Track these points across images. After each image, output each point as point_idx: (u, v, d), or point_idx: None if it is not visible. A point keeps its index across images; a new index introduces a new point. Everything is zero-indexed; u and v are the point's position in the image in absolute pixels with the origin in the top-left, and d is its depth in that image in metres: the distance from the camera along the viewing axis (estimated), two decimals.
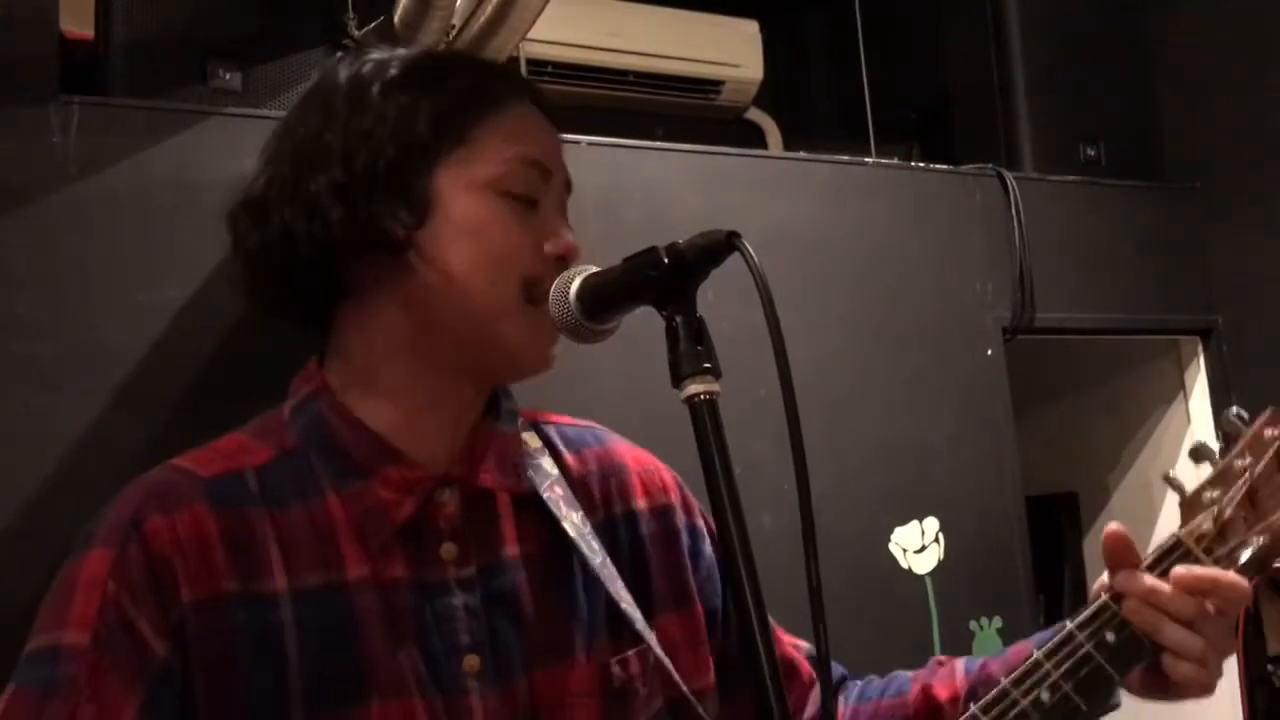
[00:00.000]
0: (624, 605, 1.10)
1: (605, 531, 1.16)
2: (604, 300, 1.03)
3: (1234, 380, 2.69)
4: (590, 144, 2.06)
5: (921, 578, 2.25)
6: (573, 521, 1.12)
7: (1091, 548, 2.96)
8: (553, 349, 1.10)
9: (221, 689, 0.97)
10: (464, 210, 1.06)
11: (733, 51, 2.68)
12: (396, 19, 1.86)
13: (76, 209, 1.64)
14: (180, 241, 1.68)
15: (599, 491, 1.19)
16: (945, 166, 2.52)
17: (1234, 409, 1.20)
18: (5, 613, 1.34)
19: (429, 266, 1.06)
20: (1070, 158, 2.66)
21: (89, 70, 1.76)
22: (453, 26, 1.88)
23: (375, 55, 1.12)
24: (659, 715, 1.13)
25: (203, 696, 0.97)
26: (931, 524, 2.28)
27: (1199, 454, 1.16)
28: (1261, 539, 1.09)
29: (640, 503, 1.20)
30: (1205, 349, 2.71)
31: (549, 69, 2.43)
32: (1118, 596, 1.11)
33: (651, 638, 1.11)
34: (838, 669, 1.30)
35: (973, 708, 1.10)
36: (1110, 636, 1.09)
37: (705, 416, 0.93)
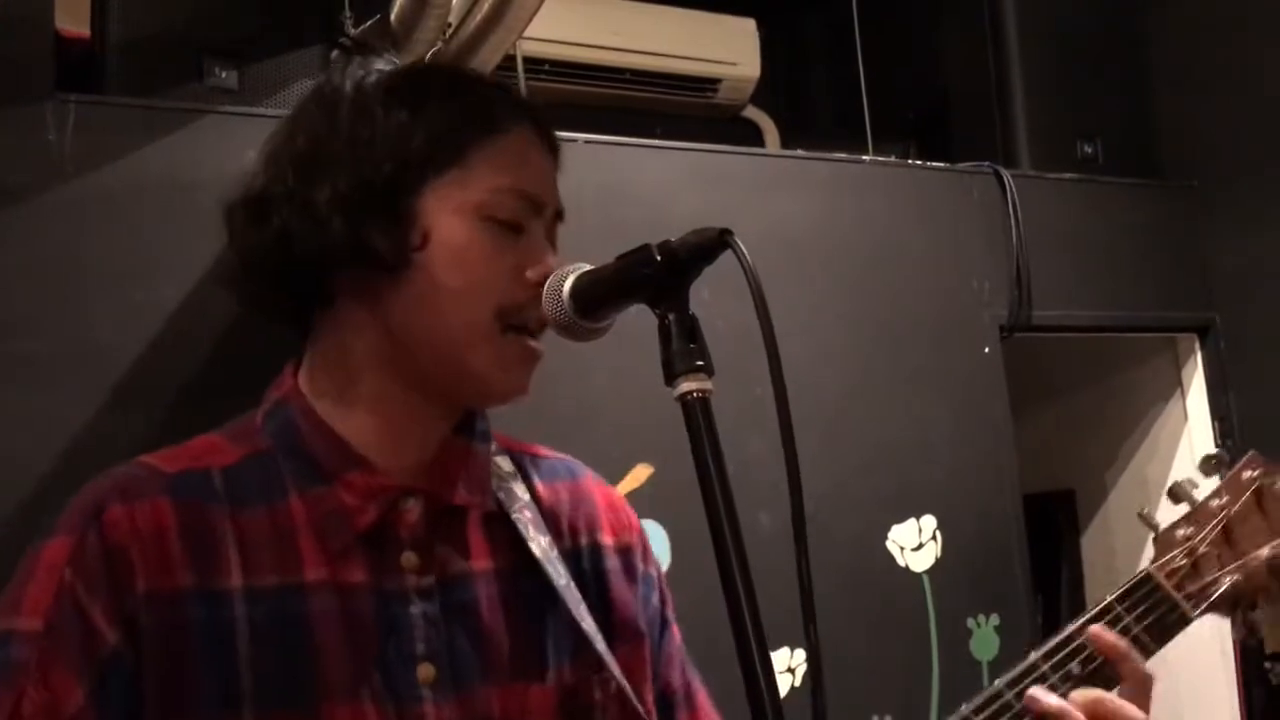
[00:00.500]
0: (586, 629, 1.11)
1: (571, 559, 1.16)
2: (597, 298, 1.03)
3: (1231, 378, 2.69)
4: (587, 142, 2.06)
5: (919, 575, 2.25)
6: (540, 544, 1.12)
7: (1089, 545, 2.97)
8: (526, 378, 1.10)
9: (172, 682, 0.97)
10: (448, 234, 1.06)
11: (730, 50, 2.68)
12: (393, 17, 1.86)
13: (72, 207, 1.64)
14: (175, 239, 1.68)
15: (568, 521, 1.19)
16: (943, 165, 2.52)
17: (1213, 451, 1.23)
18: None
19: (408, 287, 1.06)
20: (1068, 155, 2.66)
21: (85, 68, 1.76)
22: (449, 25, 1.87)
23: (381, 65, 1.13)
24: None
25: (152, 688, 0.97)
26: (929, 522, 2.28)
27: (1177, 495, 1.18)
28: (1235, 576, 1.11)
29: (606, 538, 1.20)
30: (1202, 346, 2.71)
31: (546, 67, 2.43)
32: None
33: (614, 664, 1.11)
34: None
35: None
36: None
37: (698, 414, 0.93)
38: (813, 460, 0.82)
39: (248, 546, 1.02)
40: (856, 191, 2.35)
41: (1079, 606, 2.99)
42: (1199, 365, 2.71)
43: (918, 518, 2.27)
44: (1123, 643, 1.12)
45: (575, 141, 2.06)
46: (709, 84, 2.66)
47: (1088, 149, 2.67)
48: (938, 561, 2.27)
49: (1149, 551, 1.20)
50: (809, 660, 0.88)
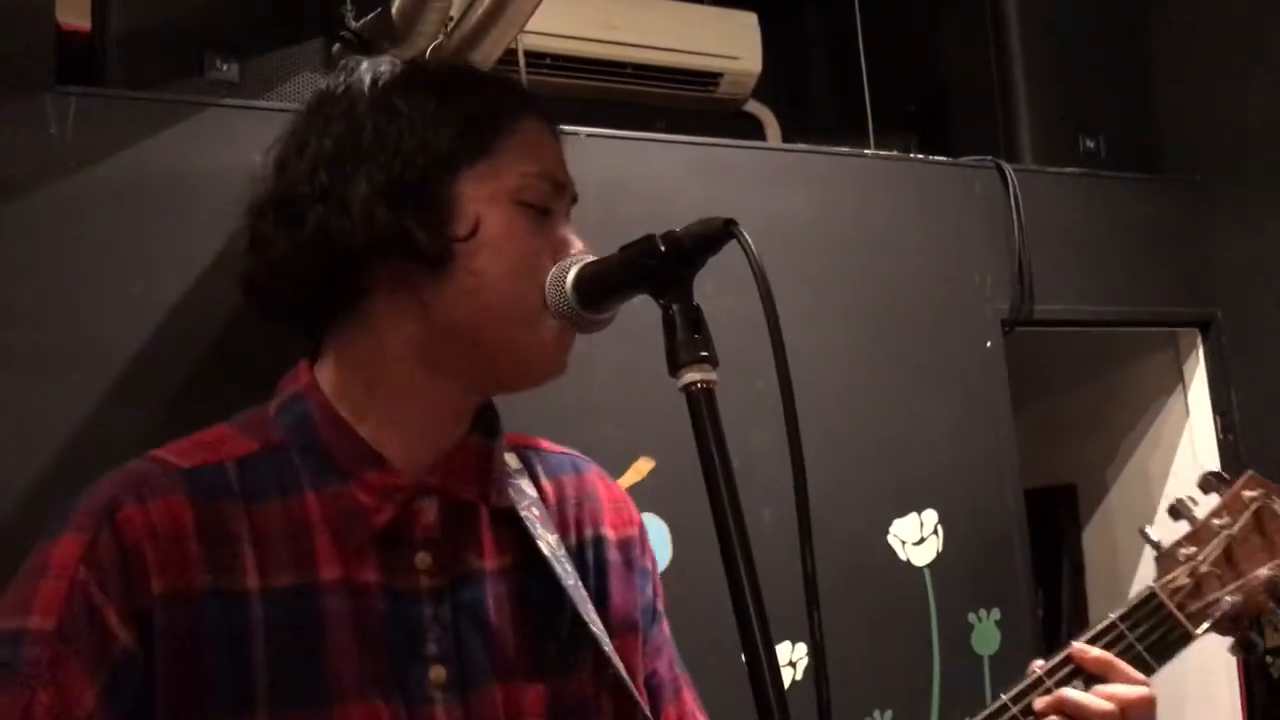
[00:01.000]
0: (593, 628, 1.11)
1: (576, 553, 1.17)
2: (601, 289, 1.03)
3: (1233, 373, 2.69)
4: (589, 136, 2.06)
5: (920, 570, 2.25)
6: (547, 541, 1.13)
7: (1090, 540, 2.97)
8: (567, 357, 1.12)
9: (185, 682, 0.97)
10: (490, 220, 1.07)
11: (731, 44, 2.68)
12: (394, 11, 1.85)
13: (72, 200, 1.64)
14: (176, 232, 1.68)
15: (573, 516, 1.20)
16: (944, 159, 2.51)
17: (1211, 470, 1.24)
18: None
19: (454, 276, 1.06)
20: (1070, 150, 2.65)
21: (85, 61, 1.76)
22: (450, 19, 1.87)
23: (391, 62, 1.13)
24: None
25: (165, 688, 0.96)
26: (930, 516, 2.28)
27: (1177, 512, 1.20)
28: (1236, 597, 1.12)
29: (608, 531, 1.21)
30: (1204, 341, 2.71)
31: (547, 61, 2.43)
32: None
33: (617, 660, 1.12)
34: None
35: None
36: None
37: (702, 405, 0.93)
38: (814, 454, 0.82)
39: (263, 543, 1.02)
40: (858, 185, 2.34)
41: (1080, 601, 3.00)
42: (1201, 360, 2.71)
43: (919, 512, 2.27)
44: (1106, 654, 1.15)
45: (577, 136, 2.06)
46: (710, 78, 2.65)
47: (1090, 143, 2.67)
48: (939, 556, 2.27)
49: (1149, 549, 1.21)
50: (812, 649, 0.88)
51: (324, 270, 1.07)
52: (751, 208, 2.18)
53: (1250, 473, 1.21)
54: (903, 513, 2.25)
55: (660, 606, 1.26)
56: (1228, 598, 1.13)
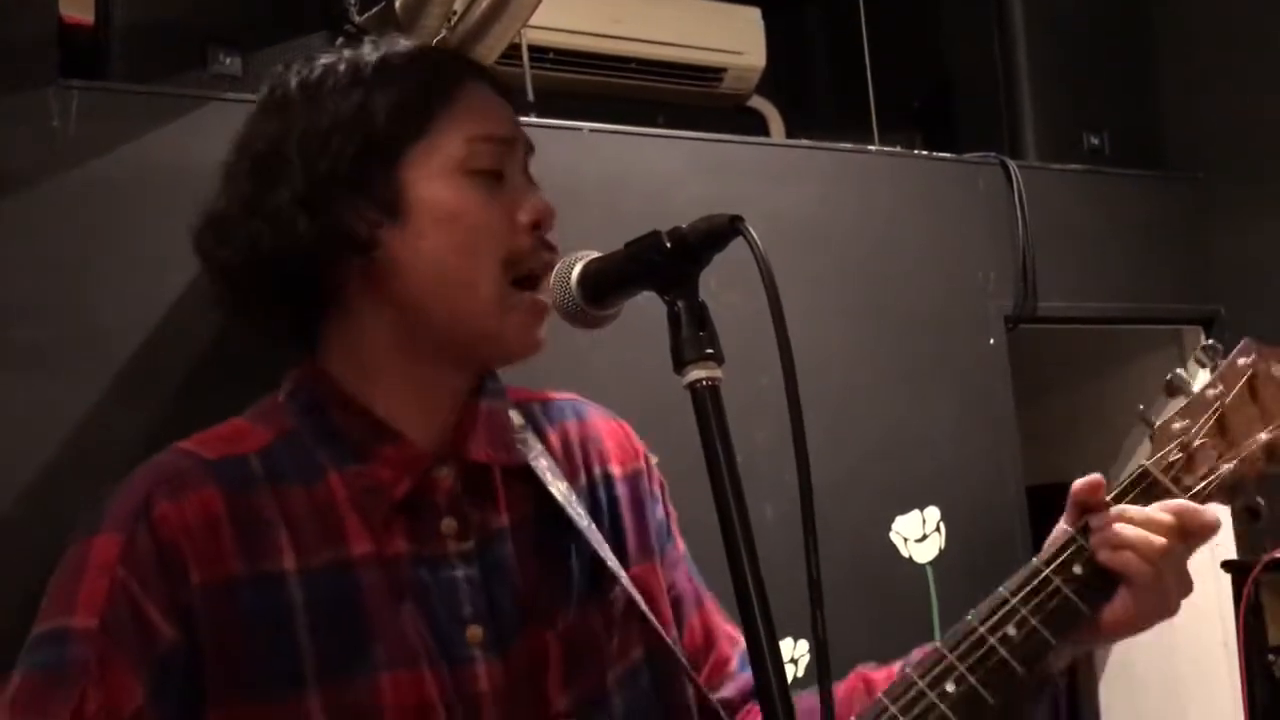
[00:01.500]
0: (610, 565, 1.14)
1: (587, 495, 1.19)
2: (606, 285, 1.02)
3: None
4: (592, 131, 2.06)
5: (922, 567, 2.25)
6: (559, 489, 1.15)
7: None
8: (541, 332, 1.12)
9: (232, 669, 0.98)
10: (435, 197, 1.07)
11: (735, 39, 2.67)
12: (398, 5, 1.85)
13: (75, 194, 1.64)
14: (179, 227, 1.66)
15: (580, 459, 1.22)
16: (949, 155, 2.51)
17: (1209, 341, 1.20)
18: (5, 596, 1.34)
19: (409, 262, 1.07)
20: (1074, 147, 2.65)
21: (88, 55, 1.75)
22: (454, 13, 1.87)
23: (324, 59, 1.13)
24: (638, 665, 1.15)
25: (213, 678, 0.98)
26: (932, 513, 2.28)
27: (1174, 387, 1.16)
28: (1230, 465, 1.09)
29: (615, 468, 1.23)
30: (1208, 338, 2.69)
31: (550, 56, 2.42)
32: (1084, 530, 1.11)
33: (635, 591, 1.14)
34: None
35: (941, 647, 1.11)
36: (1078, 570, 1.10)
37: (707, 402, 0.92)
38: (816, 451, 0.82)
39: (295, 527, 1.03)
40: (861, 182, 2.34)
41: None
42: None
43: (921, 509, 2.27)
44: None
45: (579, 130, 2.06)
46: (714, 73, 2.65)
47: (1094, 140, 2.66)
48: (941, 553, 2.27)
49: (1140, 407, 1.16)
50: (815, 647, 0.88)
51: (271, 283, 1.08)
52: (754, 203, 2.17)
53: (1246, 339, 1.17)
54: (905, 510, 2.25)
55: (674, 526, 1.28)
56: (1224, 467, 1.10)
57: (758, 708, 0.91)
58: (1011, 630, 1.10)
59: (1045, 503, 2.88)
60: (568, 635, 1.11)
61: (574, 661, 1.10)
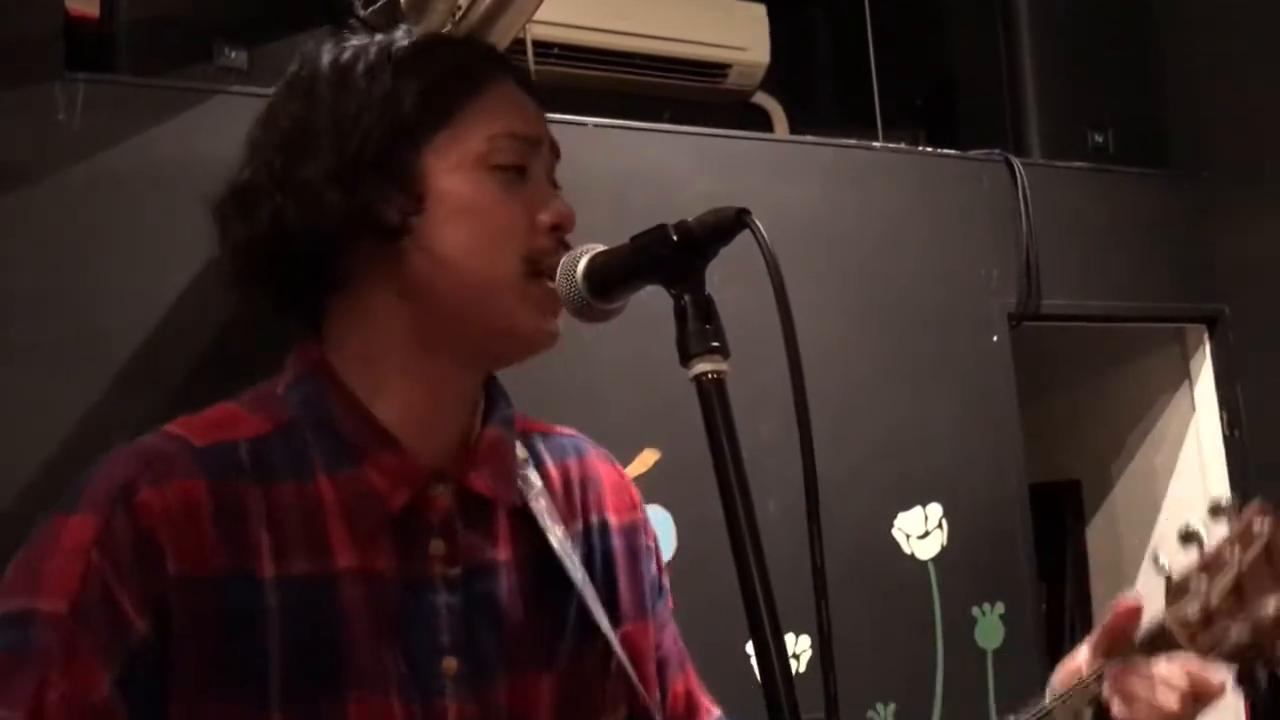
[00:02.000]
0: (601, 623, 1.11)
1: (581, 540, 1.17)
2: (612, 279, 1.02)
3: (1239, 369, 2.68)
4: (596, 126, 2.06)
5: (924, 563, 2.25)
6: (556, 535, 1.12)
7: (1094, 535, 2.97)
8: (556, 324, 1.09)
9: (200, 669, 0.95)
10: (453, 189, 1.06)
11: (740, 35, 2.67)
12: None
13: (80, 187, 1.64)
14: (184, 221, 1.68)
15: (579, 501, 1.19)
16: (952, 152, 2.51)
17: (1224, 497, 1.23)
18: None
19: (426, 250, 1.05)
20: (1078, 144, 2.65)
21: (94, 48, 1.76)
22: (459, 7, 1.87)
23: (355, 41, 1.11)
24: None
25: (179, 674, 0.95)
26: (935, 510, 2.28)
27: (1188, 538, 1.19)
28: (1244, 631, 1.12)
29: (612, 516, 1.21)
30: (1211, 337, 2.70)
31: (555, 51, 2.42)
32: (1099, 677, 1.15)
33: (621, 652, 1.12)
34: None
35: None
36: (1089, 716, 1.14)
37: (713, 396, 0.92)
38: (819, 447, 0.81)
39: (278, 529, 1.00)
40: (865, 178, 2.34)
41: (1083, 596, 3.00)
42: (1207, 356, 2.71)
43: (923, 506, 2.27)
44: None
45: (584, 126, 2.06)
46: (718, 69, 2.65)
47: (1098, 138, 2.66)
48: (943, 550, 2.27)
49: (1153, 543, 1.20)
50: (819, 641, 0.88)
51: (290, 258, 1.06)
52: (758, 199, 2.14)
53: (1259, 501, 1.20)
54: (907, 506, 2.25)
55: (664, 581, 1.26)
56: (1236, 631, 1.13)
57: None
58: None
59: (1047, 500, 2.90)
60: (562, 681, 1.08)
61: (567, 708, 1.08)
